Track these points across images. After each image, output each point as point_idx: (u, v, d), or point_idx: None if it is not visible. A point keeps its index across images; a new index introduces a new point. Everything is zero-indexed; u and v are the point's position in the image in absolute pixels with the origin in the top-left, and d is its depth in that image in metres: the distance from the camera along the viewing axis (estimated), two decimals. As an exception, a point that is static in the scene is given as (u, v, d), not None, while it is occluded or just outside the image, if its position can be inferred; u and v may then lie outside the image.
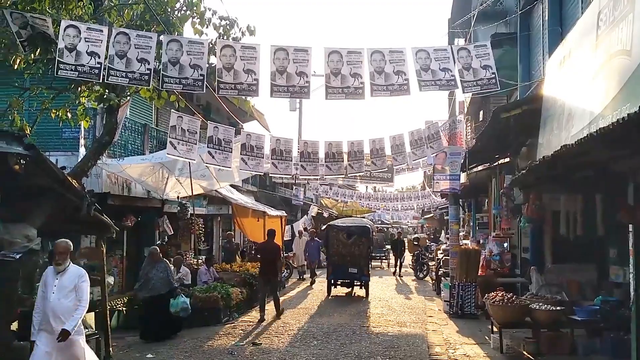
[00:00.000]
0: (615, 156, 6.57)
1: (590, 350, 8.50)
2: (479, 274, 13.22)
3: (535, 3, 12.51)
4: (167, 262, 11.96)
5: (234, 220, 19.82)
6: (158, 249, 11.81)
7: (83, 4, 8.66)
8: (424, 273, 23.33)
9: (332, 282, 17.85)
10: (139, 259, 14.72)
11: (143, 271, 11.40)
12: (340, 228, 18.33)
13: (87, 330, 8.33)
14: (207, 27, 8.46)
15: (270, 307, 13.52)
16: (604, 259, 9.39)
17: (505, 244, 14.00)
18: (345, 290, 18.19)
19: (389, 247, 32.11)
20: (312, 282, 20.99)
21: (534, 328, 9.17)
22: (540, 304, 9.09)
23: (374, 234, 23.81)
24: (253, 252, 20.54)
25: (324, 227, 23.26)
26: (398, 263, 26.22)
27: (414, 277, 23.36)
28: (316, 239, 22.94)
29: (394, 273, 25.77)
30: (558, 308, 8.86)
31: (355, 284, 17.85)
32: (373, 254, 24.35)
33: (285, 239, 23.07)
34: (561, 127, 7.41)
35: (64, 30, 6.95)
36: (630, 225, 7.37)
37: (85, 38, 6.98)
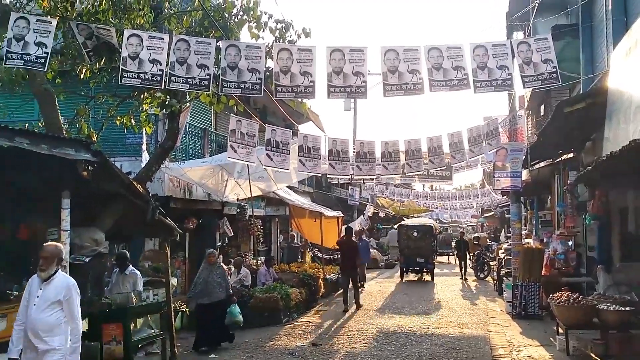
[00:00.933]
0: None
1: (663, 352, 8.15)
2: (542, 274, 12.86)
3: (598, -7, 12.09)
4: (224, 266, 11.64)
5: (291, 221, 20.02)
6: (215, 251, 11.32)
7: (144, 13, 8.95)
8: (485, 273, 22.87)
9: (405, 269, 22.34)
10: (200, 260, 15.00)
11: (199, 275, 10.59)
12: (409, 227, 23.65)
13: (152, 331, 8.61)
14: (263, 30, 8.58)
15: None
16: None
17: (570, 243, 13.57)
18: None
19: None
20: (361, 287, 17.41)
21: (602, 329, 8.84)
22: (609, 304, 8.77)
23: (437, 232, 27.94)
24: (317, 250, 21.04)
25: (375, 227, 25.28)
26: (463, 265, 23.82)
27: (475, 277, 22.93)
28: (364, 238, 20.88)
29: (461, 277, 22.96)
30: (628, 308, 8.53)
31: (423, 270, 22.26)
32: (439, 250, 27.66)
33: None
34: (628, 120, 7.13)
35: (127, 39, 7.17)
36: None
37: (147, 46, 7.19)
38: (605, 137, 8.57)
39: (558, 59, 7.76)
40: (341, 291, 15.70)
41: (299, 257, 20.86)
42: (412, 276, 22.64)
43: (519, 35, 18.28)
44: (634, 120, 6.83)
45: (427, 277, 22.18)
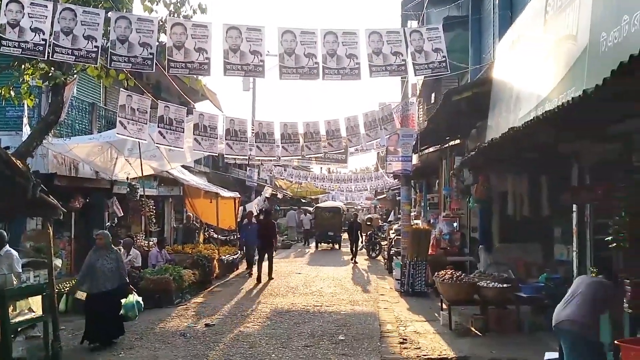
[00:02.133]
0: (560, 139, 6.79)
1: (535, 326, 8.85)
2: (429, 253, 13.51)
3: (487, -13, 12.70)
4: (118, 251, 10.09)
5: (186, 201, 19.59)
6: (107, 233, 9.68)
7: (26, -23, 8.32)
8: (377, 252, 23.68)
9: (318, 240, 28.98)
10: (87, 241, 14.39)
11: (88, 260, 9.18)
12: (324, 208, 31.18)
13: (33, 314, 8.15)
14: (157, 4, 8.27)
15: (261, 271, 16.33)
16: (549, 238, 9.74)
17: (455, 224, 14.33)
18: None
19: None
20: (250, 274, 17.36)
21: (481, 305, 9.46)
22: (488, 281, 9.36)
23: (344, 212, 34.04)
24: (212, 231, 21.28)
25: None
26: (354, 248, 22.83)
27: (367, 257, 23.67)
28: (254, 221, 18.64)
29: (352, 260, 22.07)
30: (505, 286, 9.15)
31: (333, 241, 28.64)
32: (343, 228, 30.22)
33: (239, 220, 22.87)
34: (509, 109, 7.59)
35: (6, 5, 6.70)
36: (574, 206, 7.67)
37: (28, 14, 6.74)
38: (489, 125, 9.08)
39: (448, 49, 8.12)
40: (238, 271, 17.97)
41: (195, 237, 20.48)
42: (324, 246, 28.89)
43: (413, 24, 18.90)
44: (514, 110, 7.28)
45: (336, 247, 28.54)
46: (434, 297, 12.20)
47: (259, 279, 16.06)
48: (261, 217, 19.56)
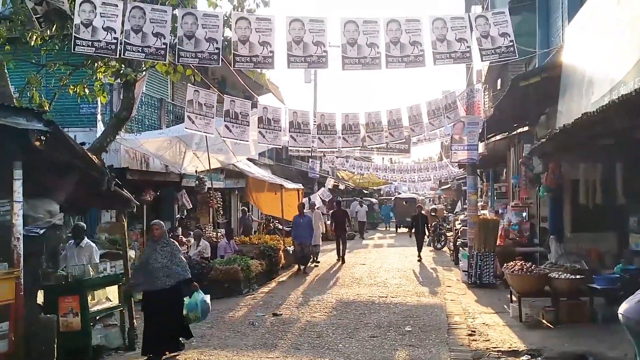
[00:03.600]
0: (637, 124, 6.48)
1: (609, 318, 8.49)
2: (497, 244, 13.21)
3: (555, -33, 12.23)
4: (176, 243, 9.00)
5: (249, 194, 19.93)
6: (162, 223, 8.38)
7: (97, -22, 8.63)
8: (442, 243, 23.34)
9: (398, 225, 36.00)
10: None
11: (143, 255, 8.41)
12: (402, 198, 38.81)
13: (111, 303, 8.52)
14: (221, -1, 8.42)
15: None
16: (624, 227, 9.34)
17: (524, 214, 13.95)
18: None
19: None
20: (301, 270, 16.49)
21: (553, 297, 9.18)
22: (560, 272, 9.08)
23: (419, 201, 36.28)
24: (278, 223, 21.74)
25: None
26: (419, 244, 20.20)
27: (432, 248, 23.39)
28: (307, 213, 18.15)
29: (419, 258, 19.57)
30: (577, 277, 8.85)
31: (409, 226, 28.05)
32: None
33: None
34: (581, 94, 7.32)
35: (80, 5, 6.93)
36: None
37: (100, 13, 6.97)
38: (559, 111, 8.79)
39: (515, 33, 7.86)
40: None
41: (251, 233, 20.74)
42: (403, 229, 33.84)
43: (477, 9, 18.43)
44: (586, 94, 7.02)
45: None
46: (502, 288, 11.94)
47: (341, 260, 18.53)
48: (334, 205, 22.27)
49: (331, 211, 22.15)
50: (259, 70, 8.97)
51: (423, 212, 21.95)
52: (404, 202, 37.15)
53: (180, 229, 15.32)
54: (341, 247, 18.93)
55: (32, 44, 8.69)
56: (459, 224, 19.64)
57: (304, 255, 16.64)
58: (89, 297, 7.98)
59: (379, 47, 7.53)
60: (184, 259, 8.28)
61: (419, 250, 20.06)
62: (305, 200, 24.41)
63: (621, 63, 5.63)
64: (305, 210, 18.29)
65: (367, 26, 7.55)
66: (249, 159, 19.51)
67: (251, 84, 17.77)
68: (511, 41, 7.65)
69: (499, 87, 19.32)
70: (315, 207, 21.25)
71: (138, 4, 7.31)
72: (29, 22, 7.99)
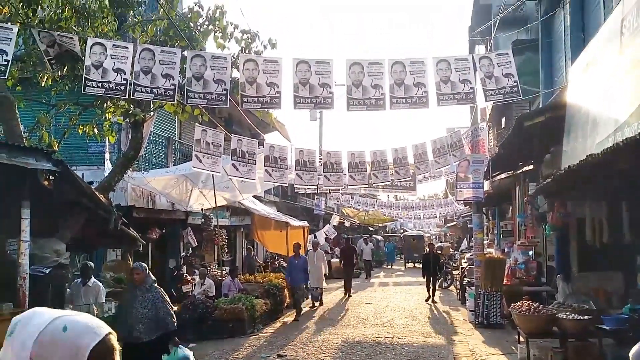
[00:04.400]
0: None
1: (619, 360, 8.38)
2: (504, 283, 13.10)
3: (557, 10, 12.44)
4: (161, 290, 7.41)
5: (254, 232, 19.90)
6: (144, 266, 7.35)
7: (108, 21, 8.84)
8: (448, 282, 23.15)
9: (406, 260, 38.71)
10: (164, 271, 14.88)
11: (122, 302, 7.66)
12: (410, 235, 41.48)
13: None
14: (229, 41, 8.59)
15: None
16: (631, 266, 9.26)
17: (531, 252, 13.86)
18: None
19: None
20: (297, 320, 14.84)
21: (561, 338, 9.04)
22: (567, 313, 8.96)
23: (426, 239, 41.51)
24: (282, 260, 21.83)
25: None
26: (431, 285, 19.15)
27: (438, 287, 23.16)
28: (309, 252, 17.57)
29: (427, 299, 18.81)
30: (585, 317, 8.73)
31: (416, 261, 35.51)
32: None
33: (308, 249, 22.98)
34: (586, 134, 7.35)
35: (91, 47, 7.06)
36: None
37: (111, 55, 7.09)
38: (563, 150, 8.81)
39: (518, 73, 7.95)
40: (307, 300, 17.28)
41: (255, 271, 20.63)
42: (410, 265, 37.48)
43: (481, 49, 18.69)
44: (590, 134, 7.05)
45: (419, 265, 30.25)
46: (510, 329, 11.79)
47: (347, 294, 19.89)
48: (342, 242, 25.59)
49: (340, 248, 25.10)
50: (266, 109, 9.08)
51: (434, 250, 20.70)
52: (412, 239, 40.24)
53: (185, 267, 15.27)
54: (349, 283, 20.39)
55: (43, 84, 8.86)
56: (465, 262, 19.48)
57: (296, 300, 15.39)
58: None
59: (383, 88, 7.62)
60: (170, 308, 7.28)
61: (430, 291, 18.91)
62: (310, 237, 24.34)
63: (624, 104, 5.68)
64: (309, 248, 18.20)
65: (372, 68, 7.66)
66: (254, 196, 19.56)
67: (258, 122, 17.93)
68: (515, 82, 7.73)
69: (503, 125, 19.42)
70: (319, 246, 19.43)
71: (148, 46, 7.46)
72: (41, 63, 8.16)
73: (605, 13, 9.44)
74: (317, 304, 17.24)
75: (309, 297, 17.21)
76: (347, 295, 19.74)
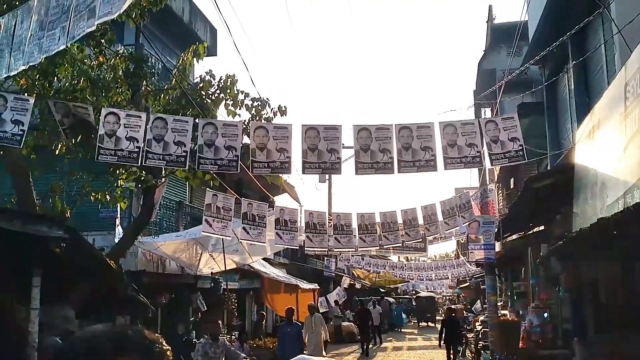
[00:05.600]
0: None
1: None
2: (520, 347, 12.79)
3: (560, 74, 12.68)
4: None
5: (264, 295, 19.67)
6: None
7: (122, 90, 9.09)
8: (462, 346, 22.59)
9: (419, 320, 42.82)
10: (173, 335, 14.67)
11: None
12: (422, 297, 45.44)
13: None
14: (240, 108, 8.78)
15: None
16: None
17: (546, 314, 13.58)
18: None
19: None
20: None
21: (580, 404, 8.77)
22: (586, 378, 8.72)
23: (438, 299, 49.53)
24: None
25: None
26: (452, 354, 17.98)
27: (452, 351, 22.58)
28: (297, 322, 15.48)
29: None
30: (605, 383, 8.49)
31: (429, 320, 42.00)
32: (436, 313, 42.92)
33: (321, 311, 22.66)
34: (595, 196, 7.36)
35: (105, 117, 7.22)
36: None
37: (124, 124, 7.24)
38: (574, 212, 8.80)
39: (525, 135, 8.03)
40: None
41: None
42: (423, 324, 41.20)
43: (486, 112, 18.96)
44: (600, 196, 7.06)
45: (431, 324, 39.67)
46: (527, 395, 11.44)
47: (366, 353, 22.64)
48: (355, 305, 29.91)
49: (355, 311, 28.49)
50: (276, 174, 9.17)
51: (454, 315, 18.90)
52: (424, 300, 44.66)
53: (194, 332, 15.06)
54: (365, 343, 23.45)
55: (57, 152, 9.03)
56: (479, 325, 19.09)
57: None
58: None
59: (391, 152, 7.69)
60: None
61: None
62: (321, 299, 24.04)
63: (633, 167, 5.72)
64: (322, 309, 17.90)
65: (379, 133, 7.75)
66: (264, 259, 19.47)
67: (267, 184, 18.07)
68: (520, 145, 7.78)
69: (512, 186, 19.45)
70: (316, 311, 17.12)
71: (160, 115, 7.64)
72: (55, 132, 8.35)
73: (608, 77, 9.62)
74: None
75: None
76: (365, 355, 22.34)
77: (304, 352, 13.49)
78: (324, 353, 15.33)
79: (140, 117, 7.39)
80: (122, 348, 1.53)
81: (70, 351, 1.60)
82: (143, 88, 9.83)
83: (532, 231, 13.46)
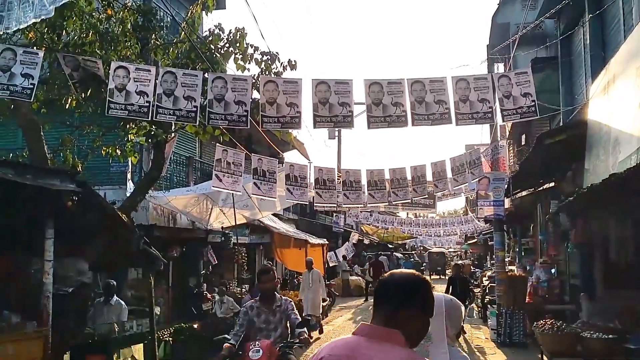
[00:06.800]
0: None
1: (646, 381, 8.20)
2: (526, 301, 12.94)
3: (576, 28, 12.40)
4: None
5: (273, 250, 19.89)
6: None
7: (131, 44, 8.99)
8: (469, 300, 22.84)
9: (430, 272, 45.29)
10: (184, 289, 14.94)
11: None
12: (433, 252, 49.49)
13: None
14: (249, 62, 8.68)
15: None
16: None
17: (553, 270, 13.69)
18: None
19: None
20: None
21: (585, 357, 8.88)
22: (592, 332, 8.82)
23: (447, 254, 53.19)
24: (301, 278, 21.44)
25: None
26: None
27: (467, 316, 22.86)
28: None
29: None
30: (611, 336, 8.59)
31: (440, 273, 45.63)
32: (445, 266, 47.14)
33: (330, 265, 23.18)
34: (607, 152, 7.30)
35: (114, 71, 7.17)
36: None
37: (134, 78, 7.19)
38: (585, 169, 8.75)
39: (538, 90, 7.91)
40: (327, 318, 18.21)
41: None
42: (435, 276, 43.03)
43: (499, 67, 18.67)
44: (612, 152, 7.00)
45: (443, 277, 40.27)
46: (533, 347, 11.61)
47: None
48: (370, 258, 31.84)
49: (369, 262, 29.74)
50: (286, 129, 9.12)
51: (461, 272, 16.91)
52: (435, 255, 49.10)
53: (205, 285, 15.31)
54: None
55: (67, 106, 9.02)
56: (487, 280, 19.28)
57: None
58: (115, 356, 7.99)
59: (403, 105, 7.60)
60: None
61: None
62: (330, 254, 24.29)
63: (647, 122, 5.66)
64: (332, 263, 18.06)
65: (391, 87, 7.65)
66: (274, 214, 19.60)
67: (277, 141, 18.03)
68: (533, 101, 7.66)
69: (523, 143, 19.30)
70: (312, 266, 16.64)
71: (170, 69, 7.57)
72: (65, 86, 8.33)
73: (625, 31, 9.40)
74: (315, 334, 14.42)
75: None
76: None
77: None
78: (319, 312, 15.31)
79: (149, 71, 7.32)
80: None
81: None
82: (152, 42, 9.71)
83: (542, 188, 13.43)
